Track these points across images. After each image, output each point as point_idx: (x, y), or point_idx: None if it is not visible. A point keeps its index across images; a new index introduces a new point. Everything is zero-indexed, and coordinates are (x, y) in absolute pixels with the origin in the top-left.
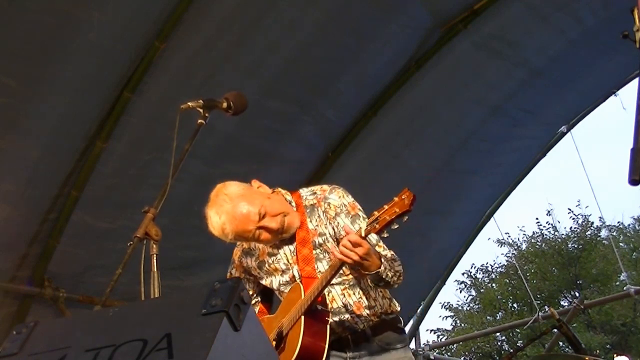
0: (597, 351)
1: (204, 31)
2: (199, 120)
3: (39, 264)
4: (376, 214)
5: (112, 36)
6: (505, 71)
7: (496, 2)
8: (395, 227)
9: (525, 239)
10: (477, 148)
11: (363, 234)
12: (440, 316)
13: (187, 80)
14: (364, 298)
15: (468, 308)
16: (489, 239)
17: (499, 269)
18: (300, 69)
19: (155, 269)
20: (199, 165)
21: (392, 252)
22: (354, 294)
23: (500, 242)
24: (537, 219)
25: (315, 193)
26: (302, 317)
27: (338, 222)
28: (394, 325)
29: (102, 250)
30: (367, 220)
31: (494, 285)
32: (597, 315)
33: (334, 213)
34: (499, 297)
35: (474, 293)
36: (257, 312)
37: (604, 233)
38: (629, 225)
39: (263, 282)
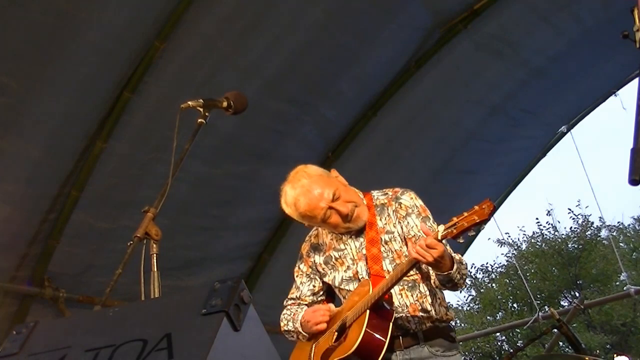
0: (597, 351)
1: (204, 31)
2: (199, 120)
3: (39, 264)
4: (455, 219)
5: (112, 36)
6: (505, 71)
7: (496, 2)
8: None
9: (525, 239)
10: (477, 148)
11: (439, 238)
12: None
13: (187, 80)
14: (420, 301)
15: (468, 308)
16: (489, 239)
17: (499, 269)
18: (300, 69)
19: (155, 269)
20: (199, 165)
21: (460, 256)
22: (412, 295)
23: (500, 242)
24: (537, 219)
25: (386, 194)
26: (368, 311)
27: (408, 222)
28: (446, 333)
29: (102, 250)
30: (443, 225)
31: (494, 285)
32: (597, 315)
33: (404, 213)
34: (499, 297)
35: (474, 293)
36: (324, 304)
37: (604, 233)
38: (629, 225)
39: (326, 278)
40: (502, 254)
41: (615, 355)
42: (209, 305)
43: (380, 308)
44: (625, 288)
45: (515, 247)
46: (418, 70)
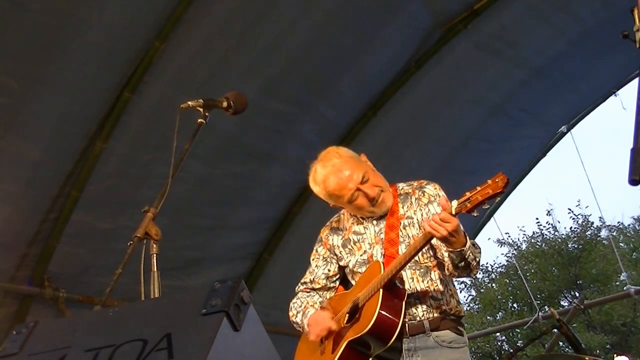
0: (597, 351)
1: (204, 31)
2: (199, 120)
3: (39, 264)
4: (468, 194)
5: (112, 36)
6: (505, 71)
7: (496, 2)
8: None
9: (525, 239)
10: (477, 148)
11: (453, 212)
12: None
13: (187, 80)
14: (431, 288)
15: (468, 308)
16: (489, 239)
17: (499, 269)
18: (300, 69)
19: (155, 269)
20: (199, 165)
21: (474, 241)
22: (423, 281)
23: (500, 242)
24: (537, 219)
25: (411, 184)
26: (381, 290)
27: (429, 209)
28: (454, 325)
29: (102, 250)
30: (456, 200)
31: (494, 285)
32: (597, 315)
33: (426, 200)
34: (499, 297)
35: (474, 293)
36: (337, 290)
37: (604, 233)
38: (629, 225)
39: (342, 262)
40: (502, 254)
41: (615, 355)
42: (209, 305)
43: (393, 287)
44: (625, 288)
45: (515, 247)
46: (418, 70)
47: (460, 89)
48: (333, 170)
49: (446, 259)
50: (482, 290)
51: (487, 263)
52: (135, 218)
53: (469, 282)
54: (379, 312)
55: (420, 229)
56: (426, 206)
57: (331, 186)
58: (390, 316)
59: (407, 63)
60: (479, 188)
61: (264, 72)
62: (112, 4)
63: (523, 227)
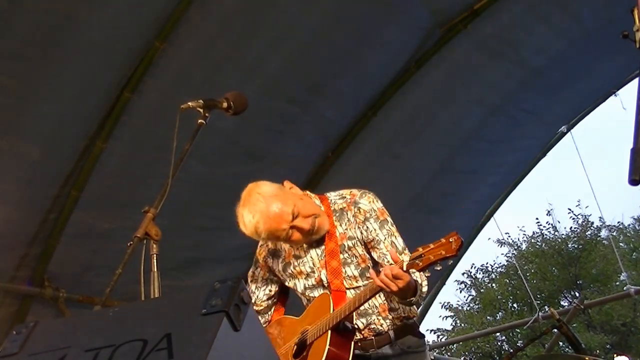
0: (597, 351)
1: (204, 31)
2: (199, 120)
3: (39, 264)
4: (421, 250)
5: (112, 36)
6: (505, 71)
7: (496, 2)
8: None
9: (525, 239)
10: (477, 148)
11: (405, 268)
12: (440, 316)
13: (187, 80)
14: (387, 301)
15: (468, 308)
16: (489, 239)
17: (499, 269)
18: (300, 69)
19: (155, 269)
20: (199, 165)
21: (421, 275)
22: (379, 296)
23: (500, 242)
24: (537, 219)
25: (344, 197)
26: (329, 331)
27: (367, 227)
28: (413, 329)
29: (102, 250)
30: (409, 255)
31: (494, 285)
32: (597, 315)
33: (363, 218)
34: (499, 297)
35: (474, 293)
36: (274, 311)
37: (604, 233)
38: (629, 225)
39: (287, 284)
40: (502, 254)
41: (615, 355)
42: (209, 305)
43: (342, 328)
44: (625, 288)
45: (515, 247)
46: (418, 70)
47: (460, 89)
48: (261, 217)
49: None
50: (482, 290)
51: (487, 263)
52: (135, 218)
53: (469, 282)
54: (327, 352)
55: (364, 246)
56: (364, 224)
57: (263, 233)
58: (339, 354)
59: (407, 63)
60: (432, 246)
61: (264, 72)
62: (112, 4)
63: (523, 227)
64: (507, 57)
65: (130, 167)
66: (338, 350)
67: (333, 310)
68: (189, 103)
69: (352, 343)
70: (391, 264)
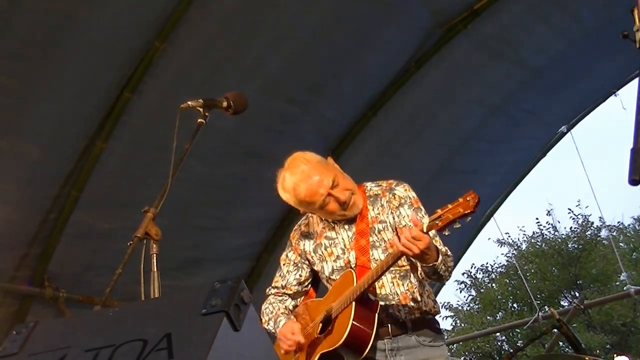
0: (597, 351)
1: (204, 31)
2: (199, 120)
3: (39, 264)
4: (439, 211)
5: (112, 36)
6: (505, 71)
7: (496, 2)
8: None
9: (525, 239)
10: (477, 148)
11: (425, 230)
12: (440, 316)
13: (187, 80)
14: (411, 291)
15: (468, 308)
16: (489, 239)
17: (499, 269)
18: (300, 69)
19: (155, 269)
20: (199, 165)
21: (447, 248)
22: (403, 285)
23: (500, 242)
24: (537, 219)
25: (380, 185)
26: (353, 303)
27: (400, 212)
28: (432, 325)
29: (102, 250)
30: (428, 216)
31: (494, 285)
32: (597, 315)
33: (397, 203)
34: (499, 297)
35: (474, 293)
36: (307, 295)
37: (604, 233)
38: (629, 225)
39: (315, 267)
40: (502, 254)
41: (615, 355)
42: (209, 305)
43: (366, 300)
44: (625, 288)
45: (515, 247)
46: (418, 70)
47: (460, 89)
48: (302, 177)
49: (419, 267)
50: (482, 290)
51: (487, 263)
52: (135, 218)
53: (469, 282)
54: (351, 325)
55: (394, 232)
56: (397, 209)
57: (302, 193)
58: (363, 328)
59: (407, 63)
60: (450, 206)
61: (264, 72)
62: (112, 4)
63: (523, 227)
64: (507, 57)
65: (130, 167)
66: (362, 322)
67: (356, 283)
68: (189, 103)
69: (377, 316)
70: None
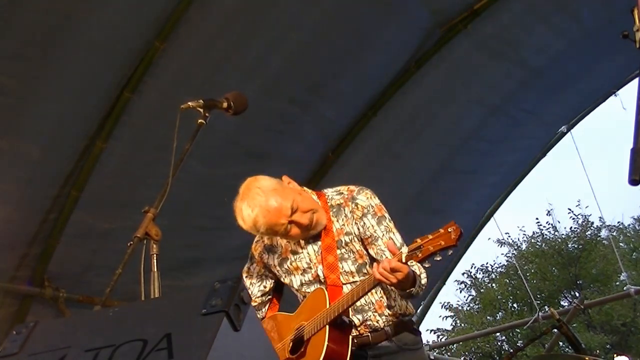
0: (597, 351)
1: (204, 31)
2: (199, 120)
3: (39, 264)
4: (419, 241)
5: (112, 36)
6: (505, 71)
7: (496, 2)
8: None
9: (525, 239)
10: (477, 148)
11: (404, 260)
12: (440, 316)
13: (187, 80)
14: (384, 298)
15: (468, 308)
16: (489, 239)
17: (499, 269)
18: (300, 69)
19: (155, 269)
20: (199, 165)
21: (420, 266)
22: (376, 292)
23: (500, 242)
24: (537, 219)
25: (341, 193)
26: (327, 326)
27: (364, 223)
28: (409, 326)
29: (102, 250)
30: (407, 246)
31: (494, 285)
32: (597, 315)
33: (360, 214)
34: (499, 297)
35: (474, 293)
36: (268, 308)
37: (604, 233)
38: (629, 225)
39: (283, 280)
40: (502, 254)
41: (615, 355)
42: (209, 305)
43: (340, 323)
44: (625, 288)
45: (515, 247)
46: (418, 70)
47: (460, 89)
48: (260, 211)
49: None
50: (482, 290)
51: (487, 263)
52: (135, 218)
53: (468, 282)
54: (327, 346)
55: (361, 242)
56: (361, 219)
57: (262, 227)
58: (338, 351)
59: (407, 63)
60: (430, 236)
61: (264, 72)
62: (112, 4)
63: (523, 227)
64: (507, 57)
65: (130, 167)
66: (337, 345)
67: (329, 304)
68: (189, 103)
69: (350, 338)
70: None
